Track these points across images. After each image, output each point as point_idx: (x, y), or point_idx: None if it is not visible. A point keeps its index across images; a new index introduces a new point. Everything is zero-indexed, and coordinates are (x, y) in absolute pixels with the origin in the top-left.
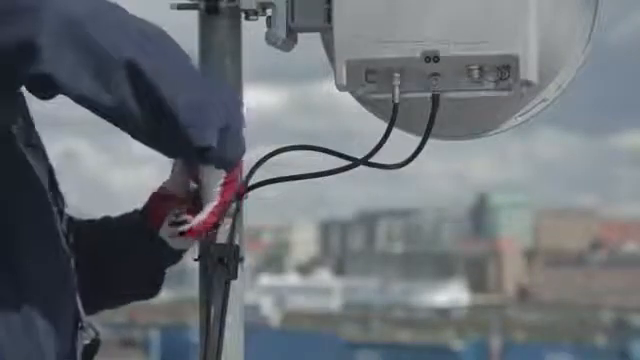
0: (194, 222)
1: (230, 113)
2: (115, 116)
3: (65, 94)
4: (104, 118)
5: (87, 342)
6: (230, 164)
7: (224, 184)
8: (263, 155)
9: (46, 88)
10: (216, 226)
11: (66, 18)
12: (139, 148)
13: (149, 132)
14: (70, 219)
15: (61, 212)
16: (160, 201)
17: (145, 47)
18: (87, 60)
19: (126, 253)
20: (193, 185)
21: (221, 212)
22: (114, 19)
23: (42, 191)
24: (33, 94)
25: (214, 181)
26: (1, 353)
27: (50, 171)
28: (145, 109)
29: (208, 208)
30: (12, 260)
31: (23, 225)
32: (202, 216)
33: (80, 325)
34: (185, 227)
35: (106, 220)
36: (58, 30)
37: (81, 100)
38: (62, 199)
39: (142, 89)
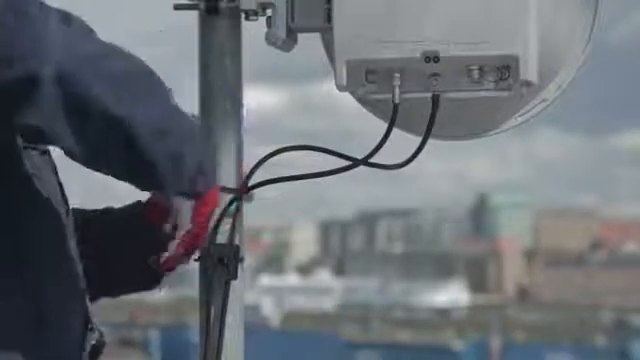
0: (164, 259)
1: (202, 155)
2: (99, 168)
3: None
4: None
5: (93, 343)
6: (195, 196)
7: (194, 209)
8: (263, 155)
9: (34, 139)
10: (189, 253)
11: (60, 72)
12: None
13: (123, 173)
14: (78, 211)
15: (67, 212)
16: (157, 200)
17: (133, 100)
18: (72, 116)
19: (128, 243)
20: None
21: (195, 237)
22: (103, 71)
23: (53, 195)
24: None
25: (185, 209)
26: (15, 357)
27: (55, 172)
28: (127, 167)
29: (177, 240)
30: (26, 266)
31: (35, 231)
32: (170, 252)
33: (90, 327)
34: (162, 266)
35: (110, 209)
36: (52, 83)
37: (67, 153)
38: (66, 199)
39: (124, 142)
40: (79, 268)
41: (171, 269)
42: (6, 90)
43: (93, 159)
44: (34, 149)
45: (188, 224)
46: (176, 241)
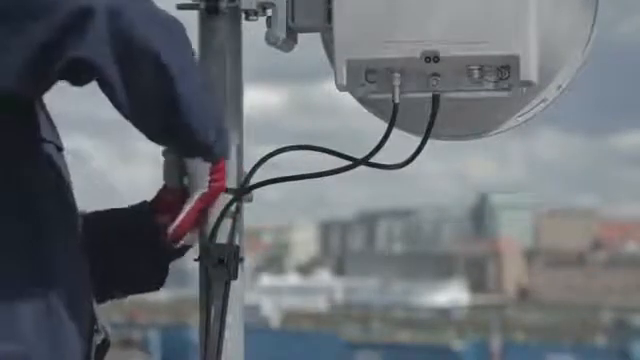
0: (172, 226)
1: (219, 111)
2: (131, 106)
3: (97, 79)
4: (119, 109)
5: (98, 343)
6: (218, 157)
7: (212, 173)
8: (263, 155)
9: (81, 74)
10: (198, 222)
11: (109, 9)
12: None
13: (156, 124)
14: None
15: (77, 212)
16: (164, 198)
17: (169, 41)
18: (118, 48)
19: (131, 243)
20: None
21: (206, 203)
22: (146, 10)
23: (69, 193)
24: (66, 79)
25: (202, 172)
26: (29, 356)
27: (67, 169)
28: (159, 102)
29: (187, 207)
30: (44, 265)
31: (54, 228)
32: (180, 217)
33: (95, 328)
34: (169, 232)
35: (114, 209)
36: (101, 19)
37: (106, 86)
38: (74, 198)
39: (162, 83)
40: (86, 266)
41: (178, 239)
42: (59, 25)
43: (132, 94)
44: (50, 142)
45: (203, 186)
46: (186, 208)
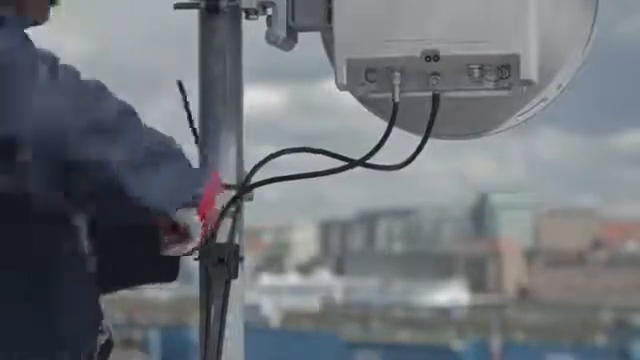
0: (183, 249)
1: (196, 180)
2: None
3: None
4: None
5: (102, 342)
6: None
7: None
8: (264, 157)
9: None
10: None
11: (48, 127)
12: None
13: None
14: None
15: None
16: None
17: (118, 145)
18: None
19: (131, 241)
20: None
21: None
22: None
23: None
24: None
25: (191, 217)
26: (26, 355)
27: None
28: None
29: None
30: (40, 266)
31: (56, 227)
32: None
33: (100, 328)
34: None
35: None
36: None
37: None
38: None
39: (119, 196)
40: (92, 267)
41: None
42: None
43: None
44: None
45: (199, 234)
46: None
